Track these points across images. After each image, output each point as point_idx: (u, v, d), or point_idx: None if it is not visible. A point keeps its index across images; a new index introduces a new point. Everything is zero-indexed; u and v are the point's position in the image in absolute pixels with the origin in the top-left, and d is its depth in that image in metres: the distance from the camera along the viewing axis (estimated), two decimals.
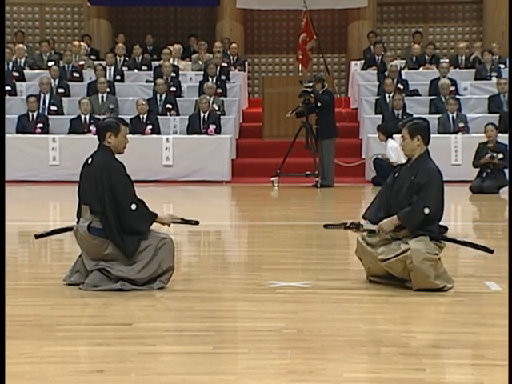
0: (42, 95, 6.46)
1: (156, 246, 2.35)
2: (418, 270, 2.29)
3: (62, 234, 2.61)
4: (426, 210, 2.30)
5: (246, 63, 7.97)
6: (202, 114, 6.21)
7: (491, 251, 2.42)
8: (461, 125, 6.07)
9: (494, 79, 6.69)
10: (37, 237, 2.62)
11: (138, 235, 2.31)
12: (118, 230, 2.29)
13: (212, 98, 6.41)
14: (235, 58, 7.64)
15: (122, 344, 1.82)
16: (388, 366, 1.65)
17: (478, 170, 5.43)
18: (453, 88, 6.51)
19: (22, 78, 6.97)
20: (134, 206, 2.30)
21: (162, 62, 7.04)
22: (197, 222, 2.55)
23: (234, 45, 7.67)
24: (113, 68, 7.07)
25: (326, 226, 2.57)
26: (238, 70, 7.41)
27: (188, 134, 6.19)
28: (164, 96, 6.49)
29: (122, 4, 8.31)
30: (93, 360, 1.70)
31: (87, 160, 2.41)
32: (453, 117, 6.12)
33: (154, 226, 2.43)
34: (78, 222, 2.39)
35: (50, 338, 1.86)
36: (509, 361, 1.57)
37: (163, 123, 6.28)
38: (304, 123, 5.76)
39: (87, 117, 6.24)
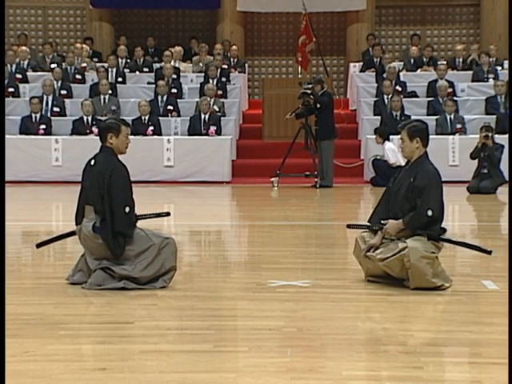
0: (45, 97, 6.48)
1: (159, 246, 2.37)
2: (415, 267, 2.31)
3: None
4: (430, 212, 2.32)
5: (246, 65, 7.99)
6: (202, 116, 6.24)
7: (489, 252, 2.45)
8: (458, 126, 6.10)
9: (491, 81, 6.71)
10: (37, 246, 2.63)
11: (124, 238, 2.33)
12: (111, 230, 2.32)
13: (212, 100, 6.44)
14: (235, 60, 7.66)
15: (124, 342, 1.84)
16: (386, 364, 1.67)
17: (474, 170, 5.43)
18: (450, 90, 6.53)
19: (25, 80, 6.98)
20: (127, 209, 2.33)
21: (163, 63, 7.06)
22: (168, 214, 2.61)
23: (234, 47, 7.69)
24: (115, 70, 7.08)
25: (349, 226, 2.58)
26: (239, 72, 7.43)
27: (189, 135, 6.21)
28: (165, 97, 6.51)
29: (124, 7, 8.32)
30: (95, 358, 1.72)
31: (89, 161, 2.43)
32: (450, 118, 6.14)
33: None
34: (76, 225, 2.41)
35: (52, 337, 1.87)
36: (509, 359, 1.58)
37: (164, 124, 6.30)
38: (303, 124, 5.78)
39: (89, 118, 6.26)
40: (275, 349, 1.79)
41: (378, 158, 5.93)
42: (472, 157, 5.46)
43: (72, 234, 2.50)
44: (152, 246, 2.37)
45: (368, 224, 2.47)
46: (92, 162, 2.41)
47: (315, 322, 2.02)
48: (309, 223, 4.04)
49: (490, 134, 5.38)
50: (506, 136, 5.74)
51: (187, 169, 6.03)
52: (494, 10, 7.88)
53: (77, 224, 2.42)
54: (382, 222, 2.40)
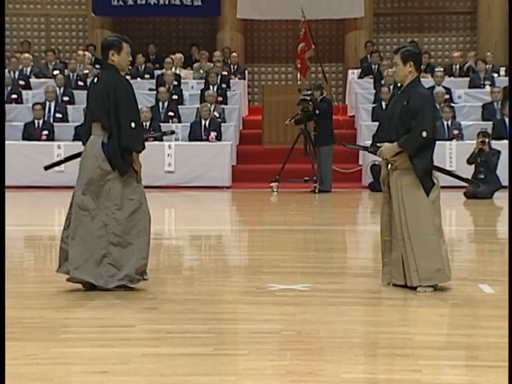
0: (48, 103, 6.52)
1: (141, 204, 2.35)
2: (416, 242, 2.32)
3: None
4: (424, 134, 2.32)
5: (246, 72, 8.03)
6: (203, 122, 6.28)
7: (478, 185, 2.48)
8: (455, 132, 6.14)
9: (488, 87, 6.76)
10: (46, 168, 2.63)
11: (131, 154, 2.31)
12: (118, 145, 2.30)
13: (213, 106, 6.49)
14: (235, 66, 7.71)
15: (126, 345, 1.86)
16: (385, 367, 1.69)
17: (471, 176, 5.45)
18: (447, 96, 6.57)
19: (27, 87, 7.03)
20: (133, 125, 2.31)
21: (164, 70, 7.11)
22: (173, 132, 2.68)
23: (234, 54, 7.75)
24: None
25: (345, 145, 2.63)
26: (239, 79, 7.47)
27: (189, 140, 6.25)
28: (166, 104, 6.56)
29: (126, 15, 8.37)
30: (97, 361, 1.73)
31: (93, 80, 2.42)
32: (447, 124, 6.18)
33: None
34: (84, 145, 2.39)
35: (55, 340, 1.90)
36: (509, 362, 1.59)
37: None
38: (302, 130, 5.82)
39: None
40: (275, 352, 1.81)
41: (377, 163, 5.94)
42: (469, 162, 5.52)
43: (80, 154, 2.47)
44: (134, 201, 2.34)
45: (364, 145, 2.51)
46: (95, 80, 2.39)
47: (314, 326, 2.04)
48: (308, 228, 4.07)
49: (486, 140, 5.44)
50: (503, 142, 5.78)
51: (188, 174, 6.06)
52: (491, 17, 7.95)
53: (84, 144, 2.41)
54: (378, 145, 2.40)
